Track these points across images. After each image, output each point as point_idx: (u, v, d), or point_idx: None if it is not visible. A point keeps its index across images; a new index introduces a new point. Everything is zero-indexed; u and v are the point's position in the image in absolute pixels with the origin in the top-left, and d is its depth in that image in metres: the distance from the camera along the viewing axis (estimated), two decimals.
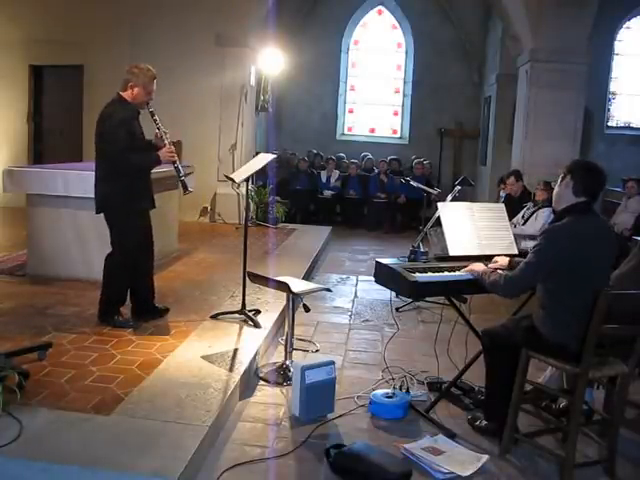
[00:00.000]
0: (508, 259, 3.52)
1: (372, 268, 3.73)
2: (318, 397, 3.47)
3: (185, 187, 4.42)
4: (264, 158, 4.99)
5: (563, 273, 3.00)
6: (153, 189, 4.59)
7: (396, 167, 12.45)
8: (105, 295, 4.43)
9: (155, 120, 4.33)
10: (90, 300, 4.78)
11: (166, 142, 4.30)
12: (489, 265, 3.49)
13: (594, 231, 3.08)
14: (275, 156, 5.28)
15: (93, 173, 4.34)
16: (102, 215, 4.33)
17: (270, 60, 9.95)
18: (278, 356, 4.40)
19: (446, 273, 3.49)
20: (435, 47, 13.10)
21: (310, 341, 4.84)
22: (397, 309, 5.79)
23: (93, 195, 4.35)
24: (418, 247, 3.72)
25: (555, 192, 3.22)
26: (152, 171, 4.52)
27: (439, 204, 3.75)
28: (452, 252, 3.61)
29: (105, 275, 4.42)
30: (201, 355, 3.92)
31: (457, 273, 3.46)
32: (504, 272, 3.27)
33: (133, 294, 4.53)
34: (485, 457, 3.12)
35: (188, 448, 2.78)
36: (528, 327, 3.16)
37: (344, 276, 7.29)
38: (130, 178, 4.24)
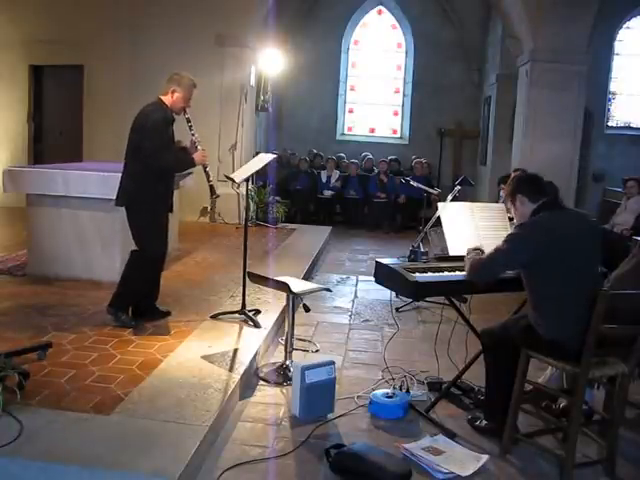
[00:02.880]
0: None
1: (372, 268, 3.73)
2: (318, 397, 3.47)
3: (213, 191, 4.57)
4: (264, 158, 4.98)
5: (542, 267, 3.03)
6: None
7: (396, 167, 12.45)
8: (123, 289, 4.40)
9: (190, 126, 4.45)
10: (90, 300, 4.78)
11: (199, 148, 4.44)
12: None
13: (570, 224, 3.12)
14: (275, 156, 5.29)
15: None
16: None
17: (270, 60, 9.95)
18: (278, 356, 4.40)
19: (446, 273, 3.49)
20: (435, 47, 13.11)
21: (310, 341, 4.83)
22: (397, 309, 5.78)
23: (117, 189, 4.38)
24: (418, 247, 3.71)
25: (517, 216, 3.30)
26: None
27: (439, 204, 3.75)
28: (452, 252, 3.61)
29: (128, 270, 4.41)
30: (201, 355, 3.92)
31: (457, 273, 3.46)
32: (479, 256, 3.30)
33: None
34: (485, 457, 3.12)
35: (188, 448, 2.78)
36: (527, 326, 3.16)
37: (344, 276, 7.29)
38: (157, 180, 4.28)
